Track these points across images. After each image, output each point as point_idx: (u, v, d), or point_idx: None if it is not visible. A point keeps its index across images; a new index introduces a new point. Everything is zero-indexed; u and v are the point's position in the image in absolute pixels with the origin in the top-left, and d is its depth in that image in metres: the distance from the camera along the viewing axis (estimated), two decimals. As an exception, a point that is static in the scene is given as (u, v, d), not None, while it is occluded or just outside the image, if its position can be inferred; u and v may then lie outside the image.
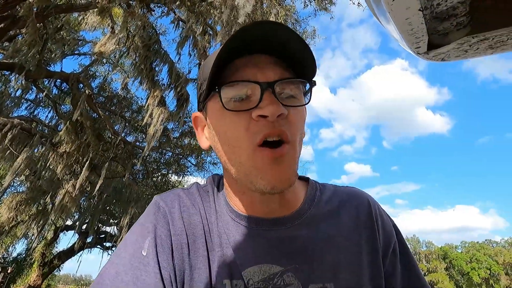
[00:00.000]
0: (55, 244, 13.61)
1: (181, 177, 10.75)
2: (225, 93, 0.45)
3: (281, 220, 0.51)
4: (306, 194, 0.55)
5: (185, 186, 0.61)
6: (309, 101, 0.49)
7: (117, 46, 6.18)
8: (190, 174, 10.67)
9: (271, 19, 5.93)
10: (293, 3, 6.99)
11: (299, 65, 0.47)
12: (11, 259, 15.57)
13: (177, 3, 5.53)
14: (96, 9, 5.51)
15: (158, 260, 0.47)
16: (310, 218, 0.52)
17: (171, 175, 10.88)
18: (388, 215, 0.59)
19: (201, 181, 0.64)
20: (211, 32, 6.35)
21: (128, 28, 5.89)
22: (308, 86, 0.49)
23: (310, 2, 7.05)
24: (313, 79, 0.48)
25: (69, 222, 10.77)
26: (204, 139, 0.54)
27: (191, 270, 0.48)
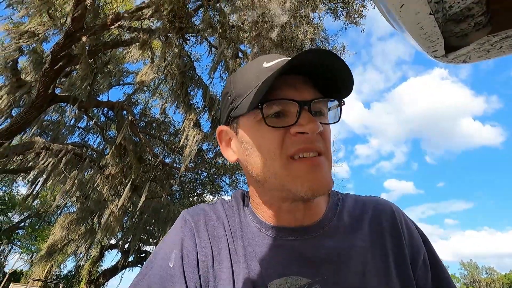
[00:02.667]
0: (100, 262, 14.37)
1: (215, 197, 10.93)
2: (265, 110, 0.48)
3: (305, 229, 0.51)
4: (328, 204, 0.56)
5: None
6: (339, 119, 0.51)
7: (156, 75, 6.69)
8: (225, 194, 10.83)
9: (299, 37, 6.05)
10: (321, 21, 7.09)
11: (335, 86, 0.49)
12: (62, 276, 16.70)
13: (209, 30, 5.89)
14: (138, 43, 6.08)
15: (183, 271, 0.49)
16: (333, 227, 0.52)
17: (207, 195, 11.13)
18: (415, 224, 0.57)
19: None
20: (241, 55, 6.63)
21: (166, 57, 6.37)
22: (335, 103, 0.51)
23: (339, 18, 7.11)
24: (343, 99, 0.51)
25: (113, 241, 11.36)
26: (231, 152, 0.56)
27: (215, 282, 0.49)
